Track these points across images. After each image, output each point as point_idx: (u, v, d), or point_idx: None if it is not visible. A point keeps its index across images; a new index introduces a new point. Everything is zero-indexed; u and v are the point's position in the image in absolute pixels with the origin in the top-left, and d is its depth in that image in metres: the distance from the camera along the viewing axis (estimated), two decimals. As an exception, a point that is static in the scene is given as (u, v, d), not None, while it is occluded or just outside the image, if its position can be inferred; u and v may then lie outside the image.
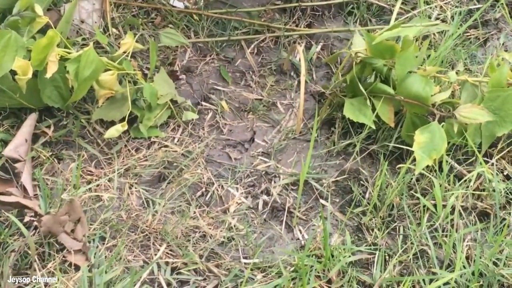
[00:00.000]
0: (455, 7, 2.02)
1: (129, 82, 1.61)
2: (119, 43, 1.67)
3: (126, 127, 1.55)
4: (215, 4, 1.98)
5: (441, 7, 2.02)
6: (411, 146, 1.52)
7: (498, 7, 2.04)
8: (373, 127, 1.58)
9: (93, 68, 1.49)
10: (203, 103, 1.74)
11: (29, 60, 1.45)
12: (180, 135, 1.66)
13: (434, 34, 1.91)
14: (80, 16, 1.77)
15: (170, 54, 1.84)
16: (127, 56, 1.60)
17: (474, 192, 1.55)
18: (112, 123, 1.60)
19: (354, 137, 1.64)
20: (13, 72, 1.46)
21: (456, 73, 1.64)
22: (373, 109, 1.59)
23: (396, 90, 1.59)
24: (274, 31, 1.93)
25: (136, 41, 1.65)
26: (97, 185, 1.50)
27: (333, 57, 1.82)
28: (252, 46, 1.90)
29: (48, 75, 1.45)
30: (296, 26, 1.96)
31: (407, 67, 1.57)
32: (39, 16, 1.51)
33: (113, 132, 1.54)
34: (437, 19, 1.98)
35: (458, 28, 1.83)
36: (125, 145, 1.60)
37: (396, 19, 1.91)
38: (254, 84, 1.81)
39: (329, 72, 1.86)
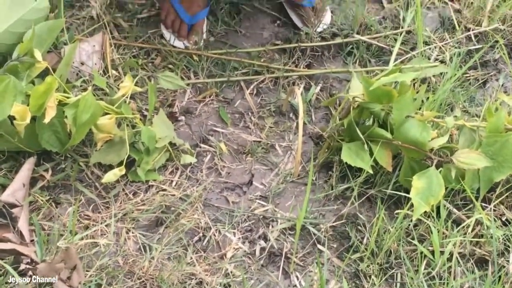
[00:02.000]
0: (454, 47, 2.02)
1: (127, 125, 1.62)
2: (118, 85, 1.68)
3: (123, 172, 1.55)
4: (215, 44, 2.00)
5: (440, 48, 2.03)
6: (409, 190, 1.52)
7: (497, 47, 2.05)
8: (371, 171, 1.58)
9: (91, 113, 1.50)
10: (202, 145, 1.75)
11: (28, 105, 1.46)
12: (178, 178, 1.66)
13: (432, 76, 1.91)
14: (80, 58, 1.78)
15: (170, 95, 1.84)
16: (126, 98, 1.61)
17: (472, 239, 1.54)
18: (110, 165, 1.60)
19: (352, 181, 1.64)
20: (12, 117, 1.46)
21: (454, 117, 1.64)
22: (371, 153, 1.59)
23: (393, 135, 1.59)
24: (274, 71, 1.94)
25: (136, 83, 1.65)
26: (94, 231, 1.50)
27: (331, 100, 1.82)
28: (252, 86, 1.90)
29: (46, 120, 1.45)
30: (296, 66, 1.97)
31: (405, 112, 1.57)
32: (38, 61, 1.52)
33: (111, 176, 1.54)
34: (436, 59, 1.98)
35: (458, 70, 1.83)
36: (123, 189, 1.60)
37: (395, 59, 1.92)
38: (253, 125, 1.81)
39: (328, 114, 1.86)
